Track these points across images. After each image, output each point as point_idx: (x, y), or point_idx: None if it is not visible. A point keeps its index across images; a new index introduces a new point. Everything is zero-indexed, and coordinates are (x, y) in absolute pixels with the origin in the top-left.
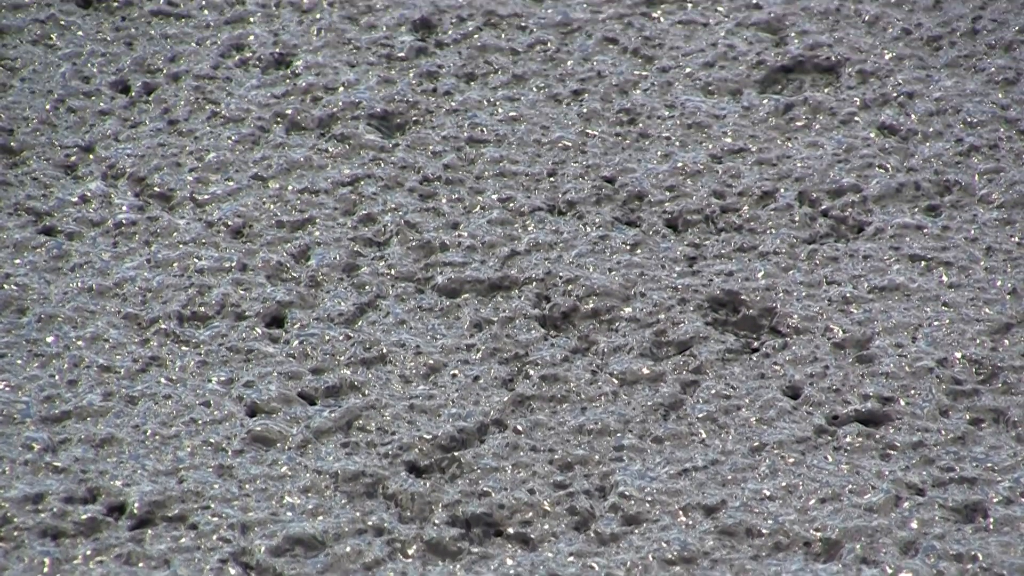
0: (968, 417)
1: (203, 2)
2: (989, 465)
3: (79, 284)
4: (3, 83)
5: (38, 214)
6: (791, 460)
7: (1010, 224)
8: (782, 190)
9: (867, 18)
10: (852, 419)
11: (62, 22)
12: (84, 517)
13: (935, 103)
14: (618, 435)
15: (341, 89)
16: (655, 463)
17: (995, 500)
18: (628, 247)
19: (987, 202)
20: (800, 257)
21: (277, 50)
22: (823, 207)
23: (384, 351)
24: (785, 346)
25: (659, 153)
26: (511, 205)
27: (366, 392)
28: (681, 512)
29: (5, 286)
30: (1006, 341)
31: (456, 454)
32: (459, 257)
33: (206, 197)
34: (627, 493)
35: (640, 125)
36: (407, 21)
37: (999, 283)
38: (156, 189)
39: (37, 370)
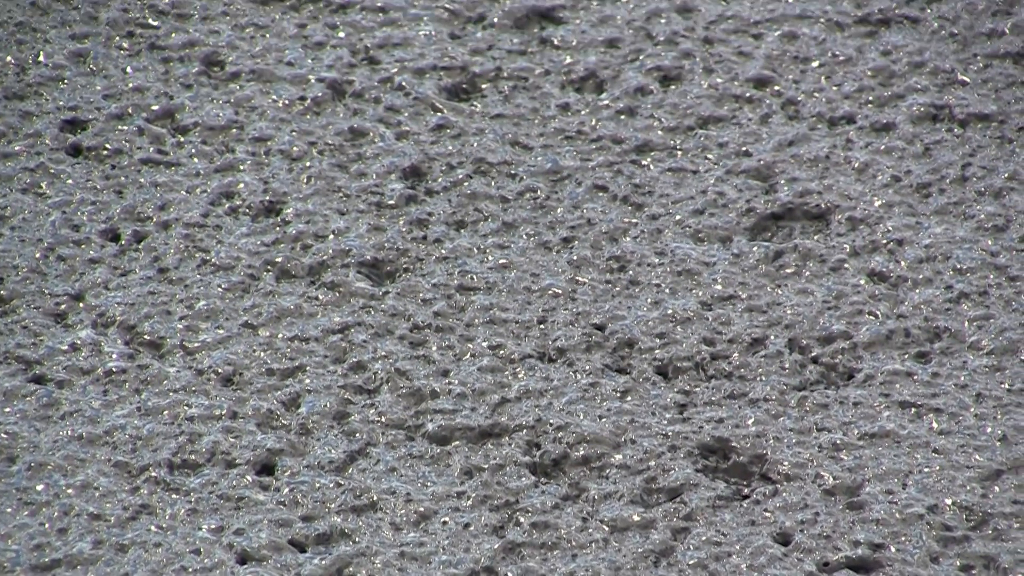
0: (959, 563)
1: (193, 150)
2: None
3: (69, 432)
4: None
5: (28, 362)
6: None
7: (1000, 371)
8: (772, 337)
9: (856, 165)
10: (843, 566)
11: (52, 170)
12: None
13: (925, 250)
14: None
15: (331, 237)
16: None
17: None
18: (618, 394)
19: (977, 349)
20: (790, 404)
21: (267, 198)
22: (813, 354)
23: (375, 498)
24: (776, 493)
25: (649, 300)
26: (501, 352)
27: (356, 540)
28: None
29: None
30: (996, 488)
31: None
32: (449, 404)
33: (196, 345)
34: None
35: (630, 272)
36: (397, 169)
37: (989, 430)
38: (146, 337)
39: (27, 518)
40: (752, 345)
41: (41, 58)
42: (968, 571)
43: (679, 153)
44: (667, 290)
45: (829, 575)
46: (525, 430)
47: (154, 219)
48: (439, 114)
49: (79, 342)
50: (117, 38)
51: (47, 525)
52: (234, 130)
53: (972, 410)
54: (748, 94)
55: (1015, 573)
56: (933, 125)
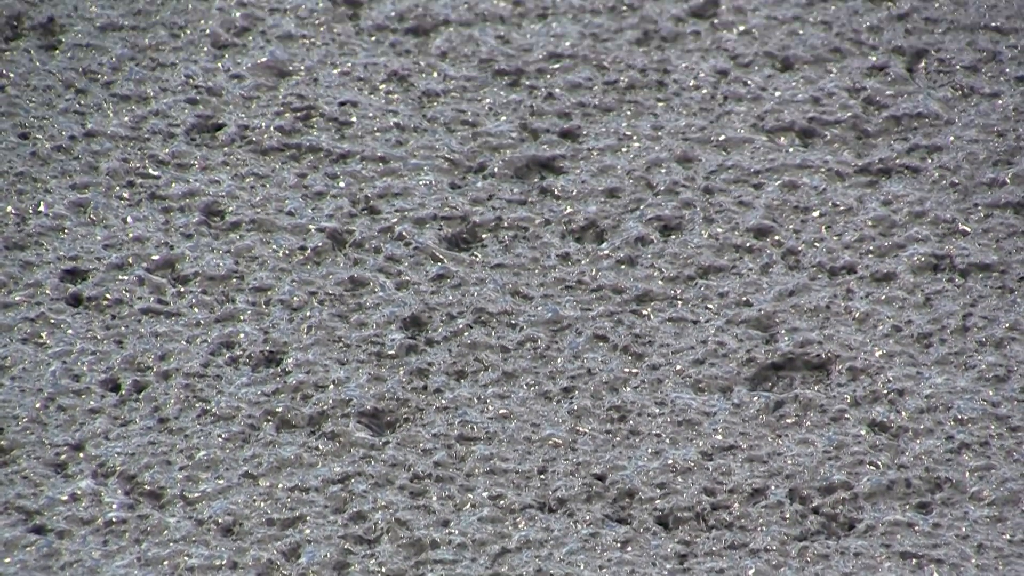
0: None
1: (193, 300)
2: None
3: None
4: None
5: (28, 512)
6: None
7: (1001, 522)
8: (773, 487)
9: (857, 315)
10: None
11: (52, 320)
12: None
13: (926, 400)
14: None
15: (331, 387)
16: None
17: None
18: (619, 544)
19: (978, 499)
20: (791, 555)
21: (267, 348)
22: (814, 504)
23: None
24: None
25: (649, 450)
26: (501, 503)
27: None
28: None
29: None
30: None
31: None
32: (450, 555)
33: (196, 495)
34: None
35: (630, 422)
36: (397, 319)
37: None
38: (146, 487)
39: None
40: (753, 495)
41: (41, 208)
42: None
43: (679, 303)
44: (667, 440)
45: None
46: None
47: (154, 369)
48: (439, 264)
49: (79, 492)
50: (117, 188)
51: None
52: (234, 280)
53: (973, 561)
54: (748, 244)
55: None
56: (934, 275)
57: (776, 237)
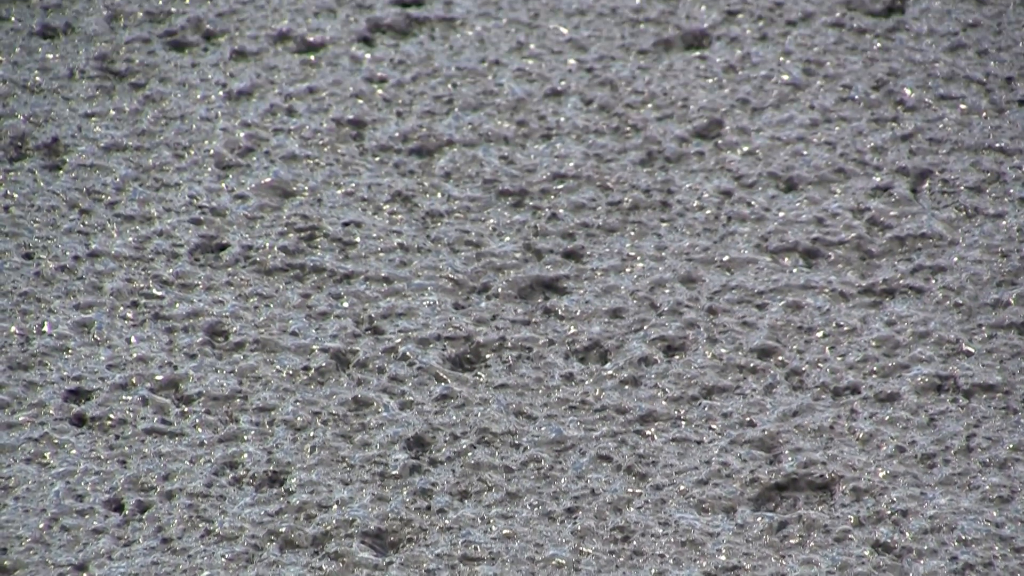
0: None
1: (197, 420)
2: None
3: None
4: None
5: None
6: None
7: None
8: None
9: (861, 436)
10: None
11: (56, 440)
12: None
13: (929, 521)
14: None
15: (335, 507)
16: None
17: None
18: None
19: None
20: None
21: (271, 468)
22: None
23: None
24: None
25: (653, 571)
26: None
27: None
28: None
29: None
30: None
31: None
32: None
33: None
34: None
35: (634, 543)
36: (400, 439)
37: None
38: None
39: None
40: None
41: (45, 328)
42: None
43: (683, 423)
44: (671, 560)
45: None
46: None
47: (158, 489)
48: (443, 384)
49: None
50: (121, 308)
51: None
52: (238, 400)
53: None
54: (752, 364)
55: None
56: (938, 395)
57: (780, 357)
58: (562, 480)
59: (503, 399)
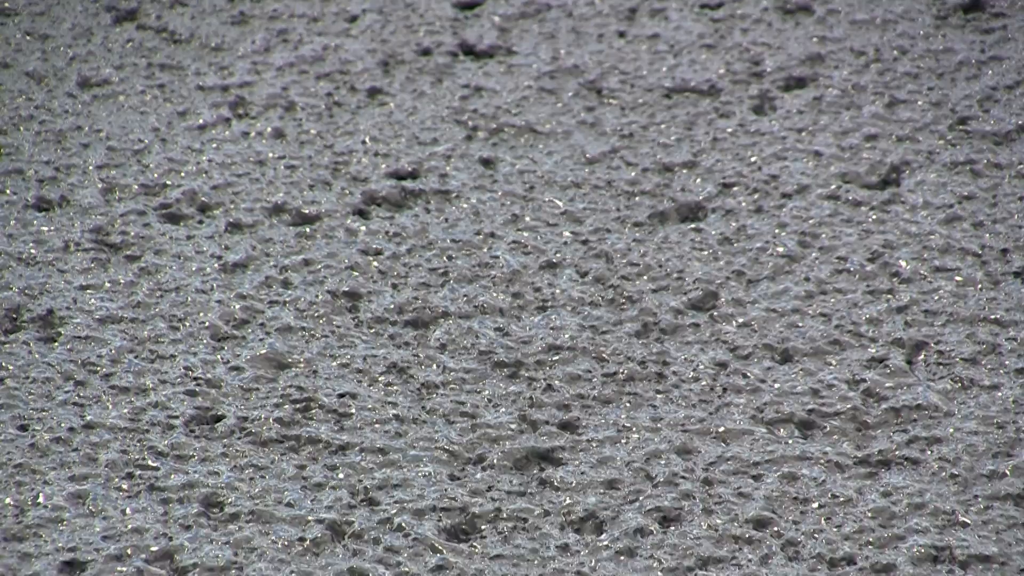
0: None
1: None
2: None
3: None
4: None
5: None
6: None
7: None
8: None
9: None
10: None
11: None
12: None
13: None
14: None
15: None
16: None
17: None
18: None
19: None
20: None
21: None
22: None
23: None
24: None
25: None
26: None
27: None
28: None
29: None
30: None
31: None
32: None
33: None
34: None
35: None
36: None
37: None
38: None
39: None
40: None
41: (40, 499)
42: None
43: None
44: None
45: None
46: None
47: None
48: (438, 555)
49: None
50: (116, 479)
51: None
52: (233, 571)
53: None
54: (748, 535)
55: None
56: (934, 566)
57: (776, 528)
58: None
59: (499, 570)
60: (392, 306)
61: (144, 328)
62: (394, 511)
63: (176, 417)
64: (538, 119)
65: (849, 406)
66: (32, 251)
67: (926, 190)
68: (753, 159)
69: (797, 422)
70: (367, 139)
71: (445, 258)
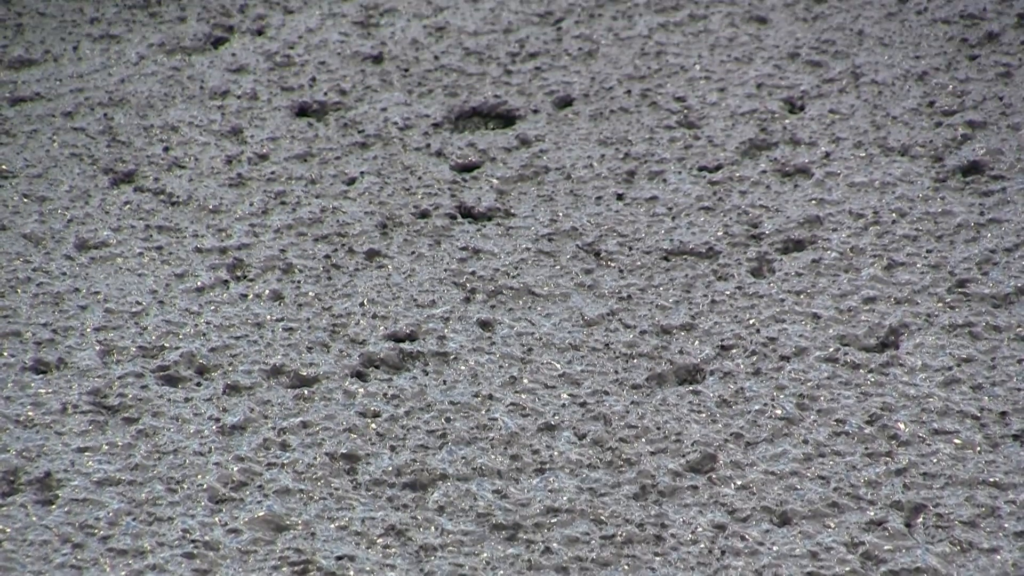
0: None
1: None
2: None
3: None
4: None
5: None
6: None
7: None
8: None
9: None
10: None
11: None
12: None
13: None
14: None
15: None
16: None
17: None
18: None
19: None
20: None
21: None
22: None
23: None
24: None
25: None
26: None
27: None
28: None
29: None
30: None
31: None
32: None
33: None
34: None
35: None
36: None
37: None
38: None
39: None
40: None
41: None
42: None
43: None
44: None
45: None
46: None
47: None
48: None
49: None
50: None
51: None
52: None
53: None
54: None
55: None
56: None
57: None
58: None
59: None
60: (390, 468)
61: (142, 490)
62: None
63: None
64: (536, 281)
65: (848, 569)
66: (30, 413)
67: (925, 353)
68: (751, 321)
69: None
70: (365, 301)
71: (443, 420)
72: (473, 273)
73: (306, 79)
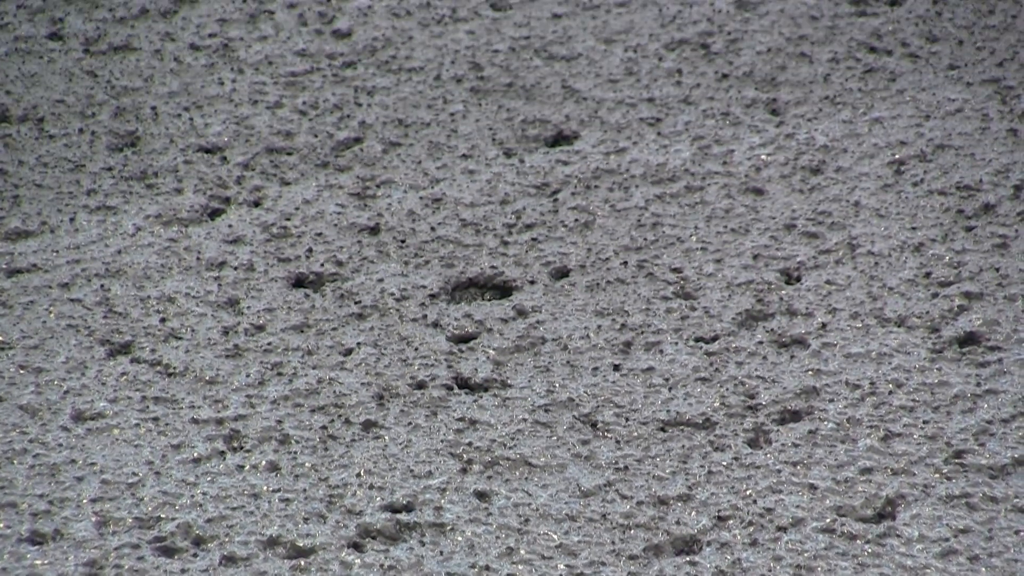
0: None
1: None
2: None
3: None
4: None
5: None
6: None
7: None
8: None
9: None
10: None
11: None
12: None
13: None
14: None
15: None
16: None
17: None
18: None
19: None
20: None
21: None
22: None
23: None
24: None
25: None
26: None
27: None
28: None
29: None
30: None
31: None
32: None
33: None
34: None
35: None
36: None
37: None
38: None
39: None
40: None
41: None
42: None
43: None
44: None
45: None
46: None
47: None
48: None
49: None
50: None
51: None
52: None
53: None
54: None
55: None
56: None
57: None
58: None
59: None
60: None
61: None
62: None
63: None
64: (533, 452)
65: None
66: None
67: (922, 524)
68: (748, 492)
69: None
70: (362, 472)
71: None
72: (470, 444)
73: (303, 250)
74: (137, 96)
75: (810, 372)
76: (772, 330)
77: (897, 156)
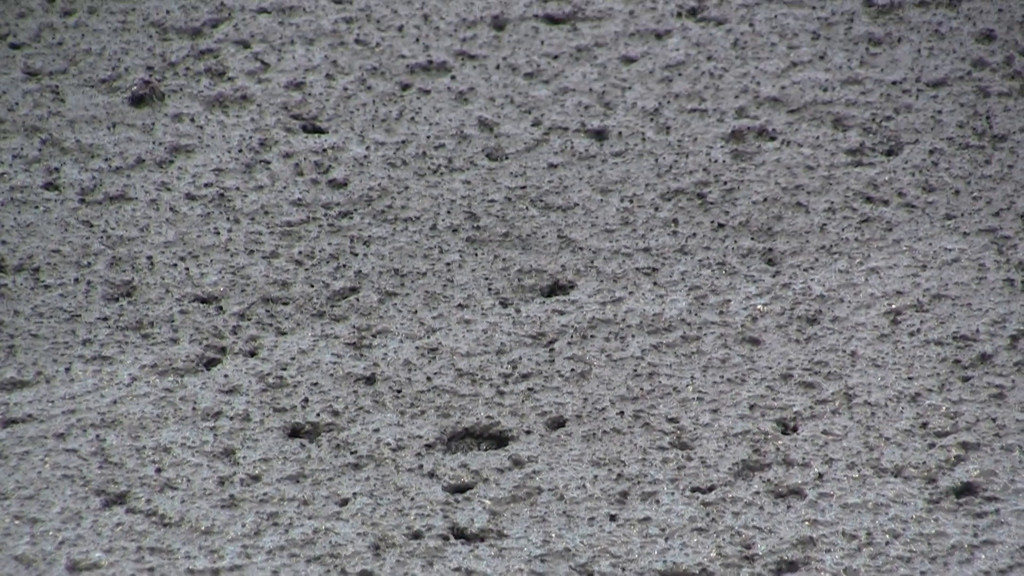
0: None
1: None
2: None
3: None
4: None
5: None
6: None
7: None
8: None
9: None
10: None
11: None
12: None
13: None
14: None
15: None
16: None
17: None
18: None
19: None
20: None
21: None
22: None
23: None
24: None
25: None
26: None
27: None
28: None
29: None
30: None
31: None
32: None
33: None
34: None
35: None
36: None
37: None
38: None
39: None
40: None
41: None
42: None
43: None
44: None
45: None
46: None
47: None
48: None
49: None
50: None
51: None
52: None
53: None
54: None
55: None
56: None
57: None
58: None
59: None
60: None
61: None
62: None
63: None
64: None
65: None
66: None
67: None
68: None
69: None
70: None
71: None
72: None
73: (299, 400)
74: (133, 246)
75: (807, 522)
76: (769, 480)
77: (893, 306)
